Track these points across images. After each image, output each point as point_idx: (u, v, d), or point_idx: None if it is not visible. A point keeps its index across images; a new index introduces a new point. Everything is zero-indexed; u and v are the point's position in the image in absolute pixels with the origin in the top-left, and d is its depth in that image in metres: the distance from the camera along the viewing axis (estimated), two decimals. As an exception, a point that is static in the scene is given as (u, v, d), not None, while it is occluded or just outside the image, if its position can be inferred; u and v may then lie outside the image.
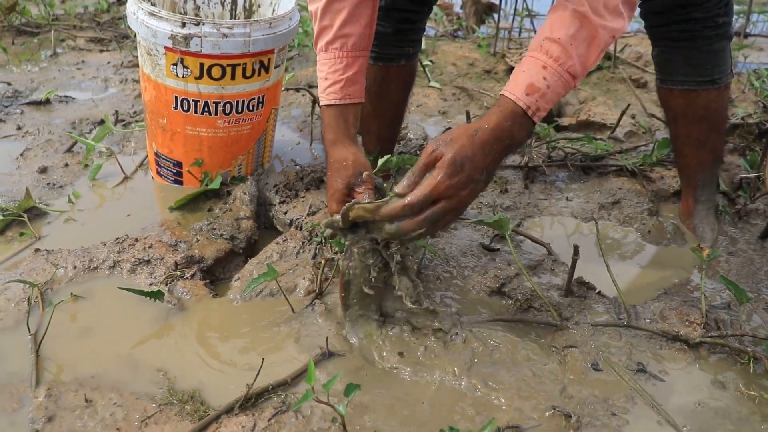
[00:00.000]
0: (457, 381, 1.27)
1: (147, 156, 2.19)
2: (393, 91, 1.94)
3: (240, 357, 1.36)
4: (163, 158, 2.00)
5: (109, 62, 3.44)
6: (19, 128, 2.58)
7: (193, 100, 1.82)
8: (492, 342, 1.35)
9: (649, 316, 1.48)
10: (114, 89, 3.06)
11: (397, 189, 1.23)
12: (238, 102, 1.83)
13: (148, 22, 1.72)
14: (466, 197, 1.21)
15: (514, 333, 1.41)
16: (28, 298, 1.49)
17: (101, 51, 3.68)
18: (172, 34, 1.70)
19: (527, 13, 3.94)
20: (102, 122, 2.62)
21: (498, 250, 1.65)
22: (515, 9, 3.70)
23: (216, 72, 1.76)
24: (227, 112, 1.84)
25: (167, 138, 1.92)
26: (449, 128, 2.50)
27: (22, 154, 2.31)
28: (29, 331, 1.40)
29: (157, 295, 1.46)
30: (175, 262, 1.59)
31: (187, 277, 1.57)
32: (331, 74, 1.47)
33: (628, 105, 2.46)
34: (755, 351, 1.33)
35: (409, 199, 1.20)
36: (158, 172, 2.06)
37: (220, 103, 1.82)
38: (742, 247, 1.77)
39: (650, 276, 1.68)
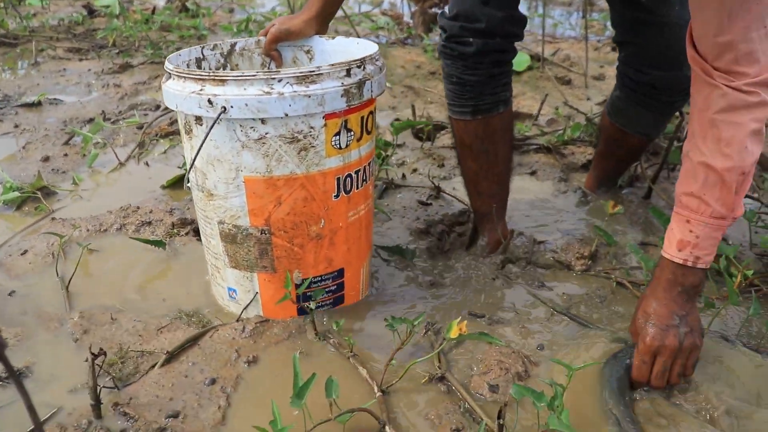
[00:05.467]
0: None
1: (138, 151, 2.54)
2: (499, 143, 1.75)
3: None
4: (317, 282, 1.55)
5: (89, 69, 3.77)
6: (16, 126, 2.90)
7: (354, 173, 1.47)
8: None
9: (552, 249, 1.88)
10: (97, 93, 3.39)
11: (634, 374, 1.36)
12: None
13: (308, 91, 1.30)
14: (673, 342, 1.30)
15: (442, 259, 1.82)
16: (53, 252, 1.84)
17: (81, 60, 3.99)
18: (343, 89, 1.34)
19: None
20: (91, 120, 2.96)
21: (431, 204, 2.07)
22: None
23: (370, 122, 1.47)
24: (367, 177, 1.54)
25: (324, 247, 1.51)
26: (397, 119, 2.90)
27: (24, 147, 2.64)
28: (57, 273, 1.76)
29: (160, 244, 1.82)
30: (172, 223, 1.96)
31: (182, 234, 1.93)
32: None
33: (546, 95, 2.90)
34: (617, 276, 1.74)
35: (633, 374, 1.34)
36: (301, 308, 1.56)
37: (369, 162, 1.53)
38: (631, 204, 2.20)
39: (561, 224, 2.08)
